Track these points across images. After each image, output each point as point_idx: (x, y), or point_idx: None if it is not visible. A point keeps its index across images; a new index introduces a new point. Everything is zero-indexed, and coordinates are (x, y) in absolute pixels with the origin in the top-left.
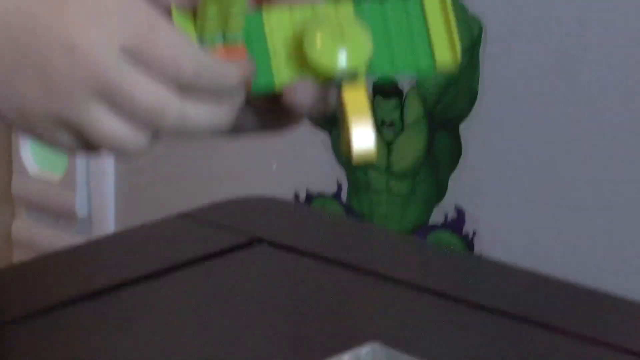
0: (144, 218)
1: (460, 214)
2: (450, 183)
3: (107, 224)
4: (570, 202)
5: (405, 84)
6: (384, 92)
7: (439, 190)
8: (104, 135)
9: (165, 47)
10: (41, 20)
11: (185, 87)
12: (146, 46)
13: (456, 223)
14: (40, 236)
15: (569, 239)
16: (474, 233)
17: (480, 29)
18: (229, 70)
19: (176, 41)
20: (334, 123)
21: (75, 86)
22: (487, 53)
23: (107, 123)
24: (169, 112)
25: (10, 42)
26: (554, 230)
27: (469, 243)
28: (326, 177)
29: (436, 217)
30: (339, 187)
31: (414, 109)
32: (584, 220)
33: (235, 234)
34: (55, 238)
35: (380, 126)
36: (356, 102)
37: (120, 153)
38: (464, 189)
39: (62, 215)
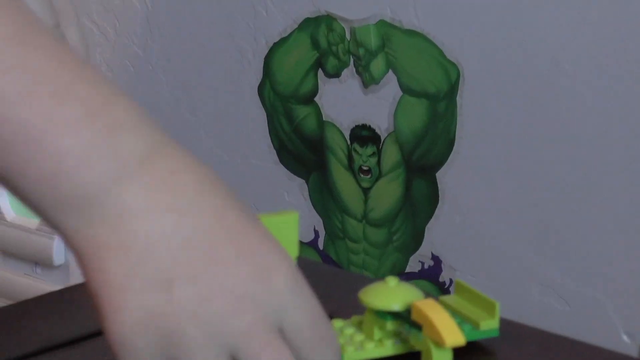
0: None
1: (437, 262)
2: (427, 231)
3: None
4: (547, 250)
5: (382, 131)
6: (361, 138)
7: (416, 238)
8: None
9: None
10: (218, 251)
11: None
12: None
13: (433, 271)
14: (16, 283)
15: (545, 287)
16: (451, 281)
17: (458, 74)
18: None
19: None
20: (310, 169)
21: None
22: (465, 99)
23: None
24: None
25: (180, 256)
26: (531, 278)
27: (445, 291)
28: (303, 225)
29: (413, 265)
30: (316, 234)
31: (391, 156)
32: (560, 267)
33: None
34: (32, 285)
35: (357, 173)
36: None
37: None
38: (441, 236)
39: (39, 262)
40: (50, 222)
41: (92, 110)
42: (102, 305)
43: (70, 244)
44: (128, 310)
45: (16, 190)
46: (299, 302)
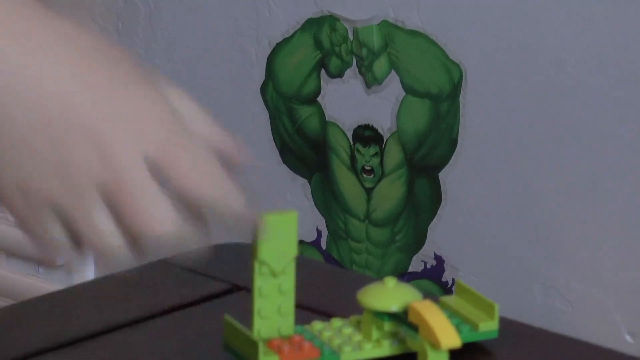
0: (123, 265)
1: (439, 261)
2: (429, 231)
3: (87, 270)
4: (550, 250)
5: (385, 131)
6: (363, 138)
7: (419, 238)
8: (96, 235)
9: (190, 169)
10: (77, 111)
11: (197, 212)
12: (170, 163)
13: (435, 271)
14: (19, 283)
15: (547, 287)
16: (453, 281)
17: (461, 74)
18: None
19: (202, 165)
20: (313, 169)
21: (86, 177)
22: (467, 99)
23: (103, 224)
24: (169, 233)
25: (38, 123)
26: (533, 279)
27: (447, 291)
28: (305, 225)
29: (415, 265)
30: (319, 234)
31: (393, 156)
32: (563, 267)
33: (215, 281)
34: (35, 285)
35: (360, 173)
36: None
37: (105, 257)
38: (444, 237)
39: (42, 262)
40: None
41: None
42: None
43: None
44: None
45: None
46: (178, 152)
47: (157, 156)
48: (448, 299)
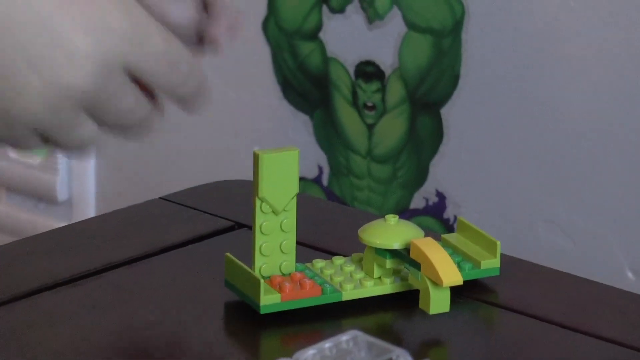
0: (124, 202)
1: (441, 198)
2: (431, 167)
3: (88, 207)
4: (552, 186)
5: (387, 67)
6: (365, 74)
7: (420, 175)
8: (75, 147)
9: (158, 60)
10: (48, 20)
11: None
12: (140, 60)
13: (437, 208)
14: (20, 220)
15: (550, 223)
16: (455, 218)
17: (463, 10)
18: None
19: (170, 50)
20: (315, 106)
21: (65, 92)
22: (469, 35)
23: (84, 135)
24: (142, 119)
25: (7, 35)
26: (536, 215)
27: (449, 228)
28: (307, 161)
29: (417, 201)
30: (320, 171)
31: (395, 92)
32: (565, 203)
33: (217, 218)
34: (36, 221)
35: (361, 109)
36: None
37: (81, 150)
38: (446, 173)
39: (43, 199)
40: None
41: None
42: None
43: None
44: None
45: None
46: (142, 50)
47: (128, 59)
48: (450, 237)
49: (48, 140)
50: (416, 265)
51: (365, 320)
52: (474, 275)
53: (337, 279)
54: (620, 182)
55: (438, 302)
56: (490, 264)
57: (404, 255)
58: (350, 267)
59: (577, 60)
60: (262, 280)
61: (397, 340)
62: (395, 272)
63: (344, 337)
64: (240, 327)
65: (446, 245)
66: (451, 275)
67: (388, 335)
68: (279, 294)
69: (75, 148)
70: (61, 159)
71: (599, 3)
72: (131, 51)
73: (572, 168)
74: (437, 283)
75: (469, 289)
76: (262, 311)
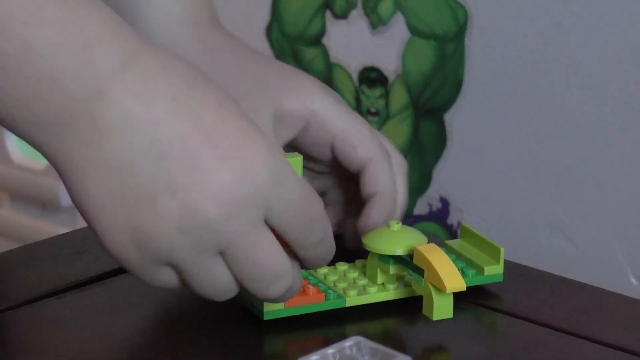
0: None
1: (445, 204)
2: (434, 173)
3: None
4: (555, 191)
5: (390, 73)
6: (369, 80)
7: (424, 181)
8: (206, 284)
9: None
10: (197, 159)
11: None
12: (278, 206)
13: (441, 213)
14: (23, 225)
15: (553, 228)
16: (459, 224)
17: (466, 15)
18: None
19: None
20: None
21: (207, 234)
22: (473, 41)
23: (216, 273)
24: (284, 280)
25: (158, 170)
26: (539, 220)
27: (452, 234)
28: None
29: (421, 207)
30: None
31: (399, 98)
32: (568, 208)
33: None
34: (39, 227)
35: (365, 115)
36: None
37: (211, 298)
38: (449, 179)
39: (46, 204)
40: (31, 144)
41: (66, 31)
42: (91, 224)
43: (53, 165)
44: (117, 230)
45: None
46: (284, 192)
47: (272, 206)
48: (453, 243)
49: (178, 274)
50: (419, 271)
51: (369, 326)
52: (477, 281)
53: (341, 285)
54: (623, 186)
55: (441, 308)
56: (494, 270)
57: (407, 262)
58: (353, 274)
59: (580, 65)
60: None
61: (401, 346)
62: (399, 278)
63: (347, 343)
64: (243, 332)
65: (450, 251)
66: (454, 281)
67: (391, 341)
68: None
69: (207, 291)
70: None
71: (602, 8)
72: (271, 193)
73: (575, 173)
74: (440, 289)
75: (472, 294)
76: (266, 317)
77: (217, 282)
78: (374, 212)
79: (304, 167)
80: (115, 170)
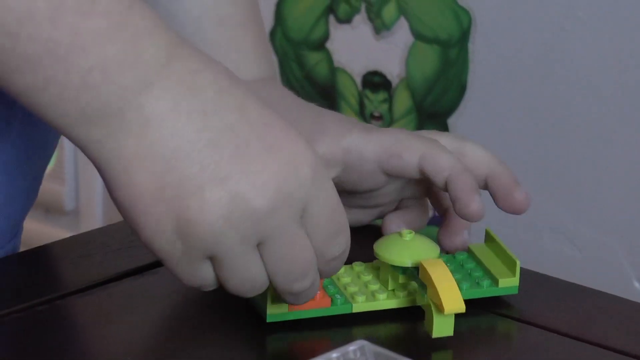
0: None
1: None
2: None
3: (95, 217)
4: (559, 196)
5: (394, 77)
6: (372, 85)
7: None
8: (242, 279)
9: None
10: (244, 149)
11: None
12: (315, 209)
13: None
14: (27, 229)
15: (556, 233)
16: None
17: (470, 20)
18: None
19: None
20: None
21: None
22: (476, 45)
23: (253, 266)
24: (310, 279)
25: (207, 159)
26: (542, 225)
27: None
28: None
29: None
30: None
31: (402, 102)
32: (572, 213)
33: None
34: (43, 231)
35: (368, 119)
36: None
37: (240, 294)
38: None
39: (50, 208)
40: (73, 137)
41: (114, 21)
42: (135, 219)
43: (94, 159)
44: (161, 222)
45: (36, 107)
46: (321, 193)
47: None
48: (476, 247)
49: (215, 270)
50: (424, 286)
51: (375, 331)
52: (491, 292)
53: (351, 289)
54: (627, 192)
55: (441, 326)
56: (509, 282)
57: (414, 275)
58: (367, 277)
59: (584, 70)
60: (271, 288)
61: (406, 351)
62: (410, 286)
63: (351, 347)
64: (246, 334)
65: (471, 256)
66: (454, 302)
67: (397, 346)
68: (287, 304)
69: (240, 287)
70: (68, 169)
71: (606, 13)
72: (311, 191)
73: (579, 178)
74: (439, 309)
75: (478, 300)
76: (269, 320)
77: (252, 276)
78: (456, 195)
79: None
80: (164, 160)
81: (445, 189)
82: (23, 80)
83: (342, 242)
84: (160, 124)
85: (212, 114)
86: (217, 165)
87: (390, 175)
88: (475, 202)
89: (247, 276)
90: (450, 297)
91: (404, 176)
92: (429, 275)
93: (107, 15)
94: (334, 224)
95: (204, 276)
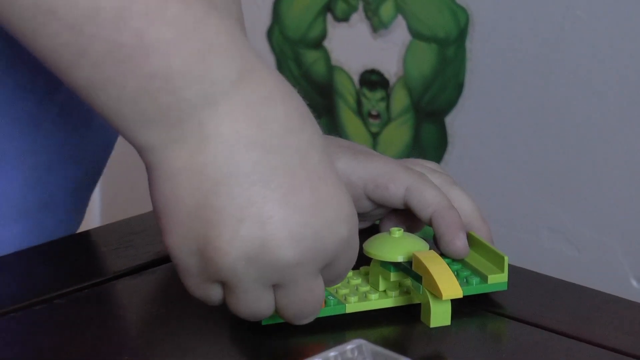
0: (130, 211)
1: None
2: None
3: (93, 216)
4: (557, 195)
5: (391, 76)
6: (370, 83)
7: None
8: (249, 308)
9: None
10: (295, 196)
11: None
12: (333, 257)
13: None
14: None
15: (554, 232)
16: None
17: (467, 18)
18: None
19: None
20: (319, 114)
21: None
22: (474, 44)
23: (263, 301)
24: (315, 315)
25: (255, 195)
26: (540, 224)
27: None
28: None
29: None
30: None
31: (400, 101)
32: (570, 212)
33: None
34: None
35: (366, 117)
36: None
37: (244, 318)
38: None
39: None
40: (128, 137)
41: (182, 32)
42: (165, 224)
43: (146, 160)
44: (191, 237)
45: (97, 106)
46: (349, 252)
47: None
48: None
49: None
50: (418, 278)
51: (370, 332)
52: (481, 289)
53: (342, 291)
54: (624, 190)
55: (439, 315)
56: (498, 278)
57: (406, 269)
58: (357, 280)
59: (583, 69)
60: None
61: (402, 351)
62: (401, 285)
63: (348, 346)
64: (242, 336)
65: (457, 260)
66: (451, 288)
67: (392, 346)
68: None
69: (245, 313)
70: None
71: (605, 13)
72: (342, 251)
73: (577, 176)
74: (437, 296)
75: (474, 299)
76: (264, 322)
77: (259, 308)
78: (441, 231)
79: None
80: (212, 182)
81: (430, 223)
82: (82, 76)
83: (349, 270)
84: (217, 145)
85: (273, 151)
86: (263, 206)
87: (376, 204)
88: (460, 239)
89: (254, 308)
90: (447, 282)
91: (390, 207)
92: (424, 264)
93: (175, 25)
94: (347, 272)
95: (212, 295)
